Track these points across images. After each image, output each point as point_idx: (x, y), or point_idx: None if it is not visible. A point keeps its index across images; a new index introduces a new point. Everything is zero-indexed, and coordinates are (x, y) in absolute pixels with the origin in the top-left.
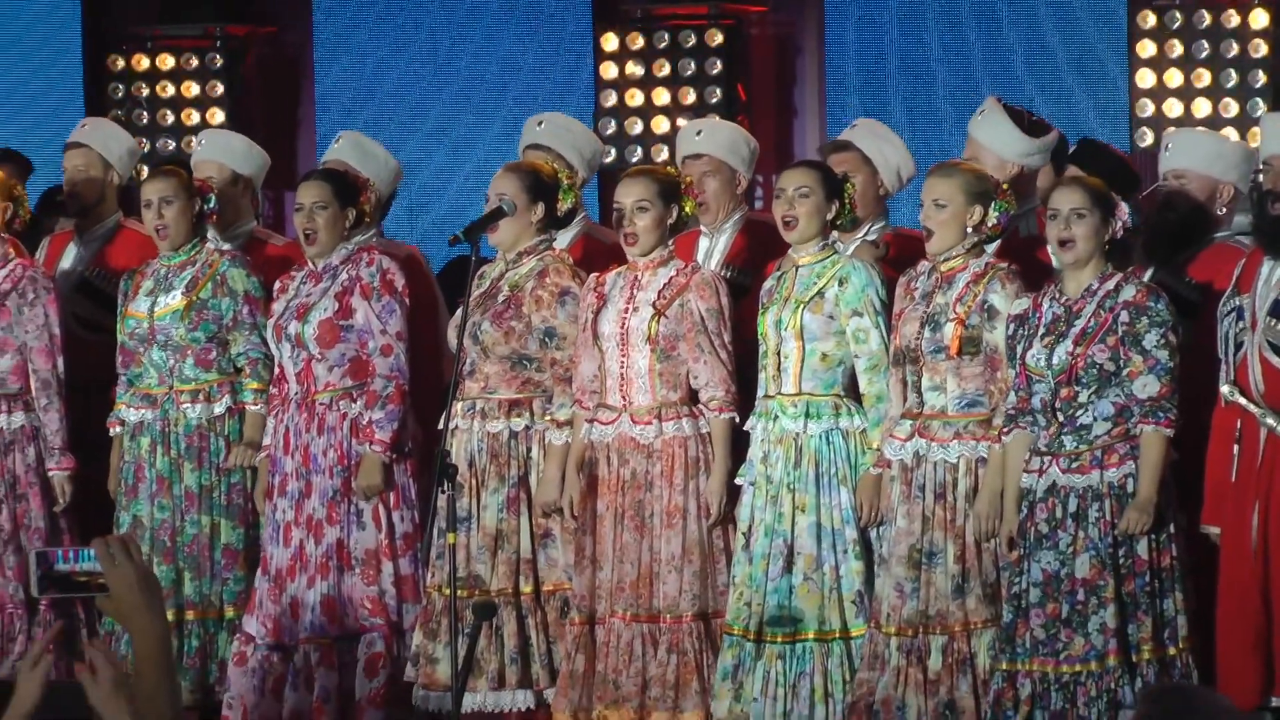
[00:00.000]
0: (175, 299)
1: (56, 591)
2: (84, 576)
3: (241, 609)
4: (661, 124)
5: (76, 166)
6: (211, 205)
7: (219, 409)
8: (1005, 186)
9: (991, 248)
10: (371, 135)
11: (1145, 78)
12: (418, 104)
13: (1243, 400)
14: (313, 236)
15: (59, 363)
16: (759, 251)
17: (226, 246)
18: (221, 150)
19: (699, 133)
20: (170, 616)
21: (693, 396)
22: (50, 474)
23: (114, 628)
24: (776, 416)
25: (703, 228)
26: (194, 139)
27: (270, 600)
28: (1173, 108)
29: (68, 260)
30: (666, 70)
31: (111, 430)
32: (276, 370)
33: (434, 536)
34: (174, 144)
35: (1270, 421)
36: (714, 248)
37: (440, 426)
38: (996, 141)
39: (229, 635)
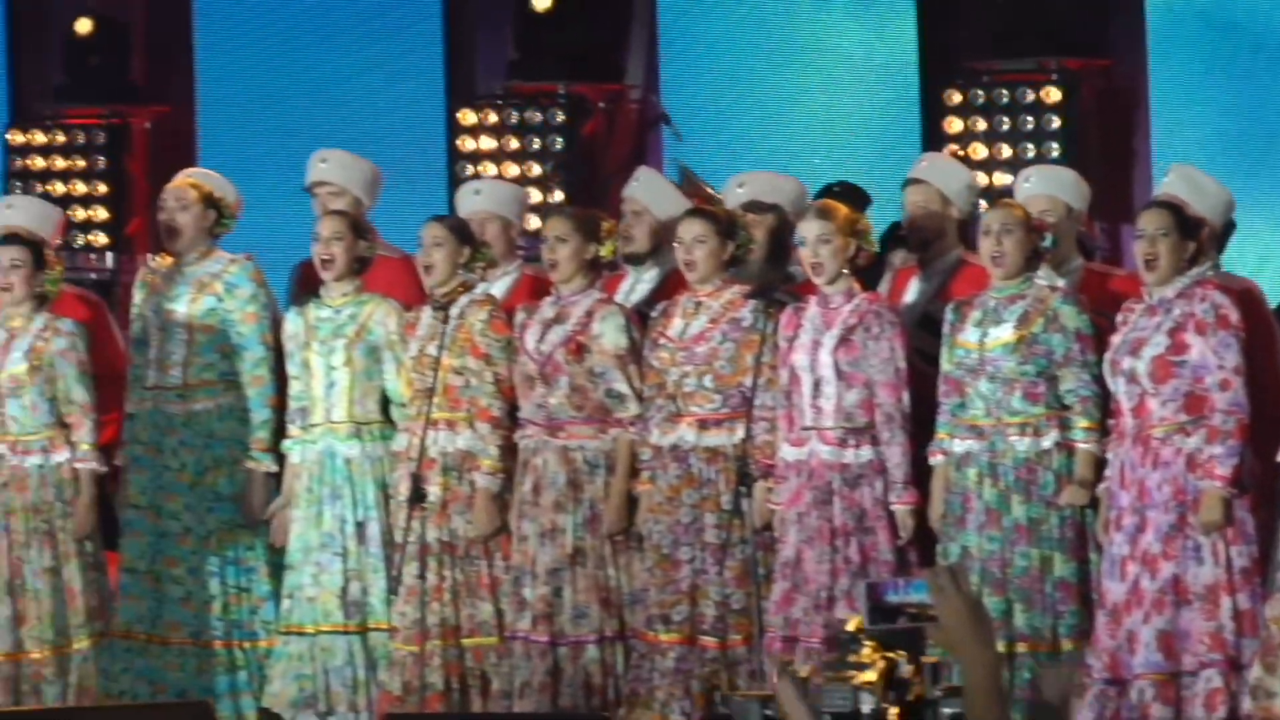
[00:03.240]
0: (1006, 332)
1: (886, 623)
2: (914, 608)
3: (1078, 643)
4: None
5: (916, 202)
6: (1050, 244)
7: (1046, 443)
8: None
9: None
10: (1207, 169)
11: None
12: None
13: None
14: (1153, 263)
15: (904, 397)
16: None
17: (1060, 283)
18: (1055, 185)
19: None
20: (1000, 648)
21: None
22: (893, 507)
23: None
24: None
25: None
26: (1023, 173)
27: (1107, 634)
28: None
29: (911, 294)
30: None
31: (932, 460)
32: (1113, 404)
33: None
34: (1010, 178)
35: None
36: None
37: None
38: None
39: None
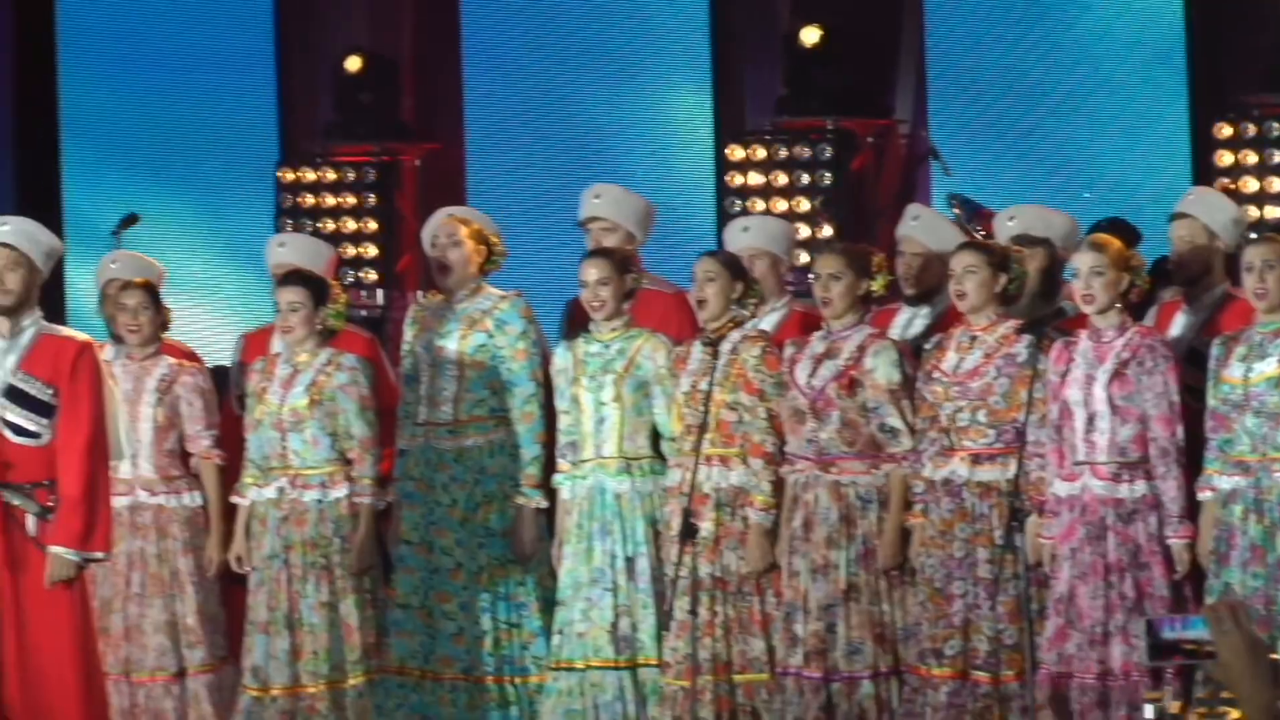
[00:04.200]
0: (1270, 367)
1: (1165, 659)
2: (1192, 644)
3: None
4: None
5: (1182, 236)
6: None
7: None
8: None
9: None
10: None
11: None
12: None
13: None
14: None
15: (1178, 430)
16: None
17: None
18: None
19: None
20: None
21: None
22: (1169, 542)
23: None
24: None
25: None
26: None
27: None
28: None
29: (1176, 329)
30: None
31: (1201, 496)
32: None
33: None
34: None
35: None
36: None
37: None
38: None
39: None
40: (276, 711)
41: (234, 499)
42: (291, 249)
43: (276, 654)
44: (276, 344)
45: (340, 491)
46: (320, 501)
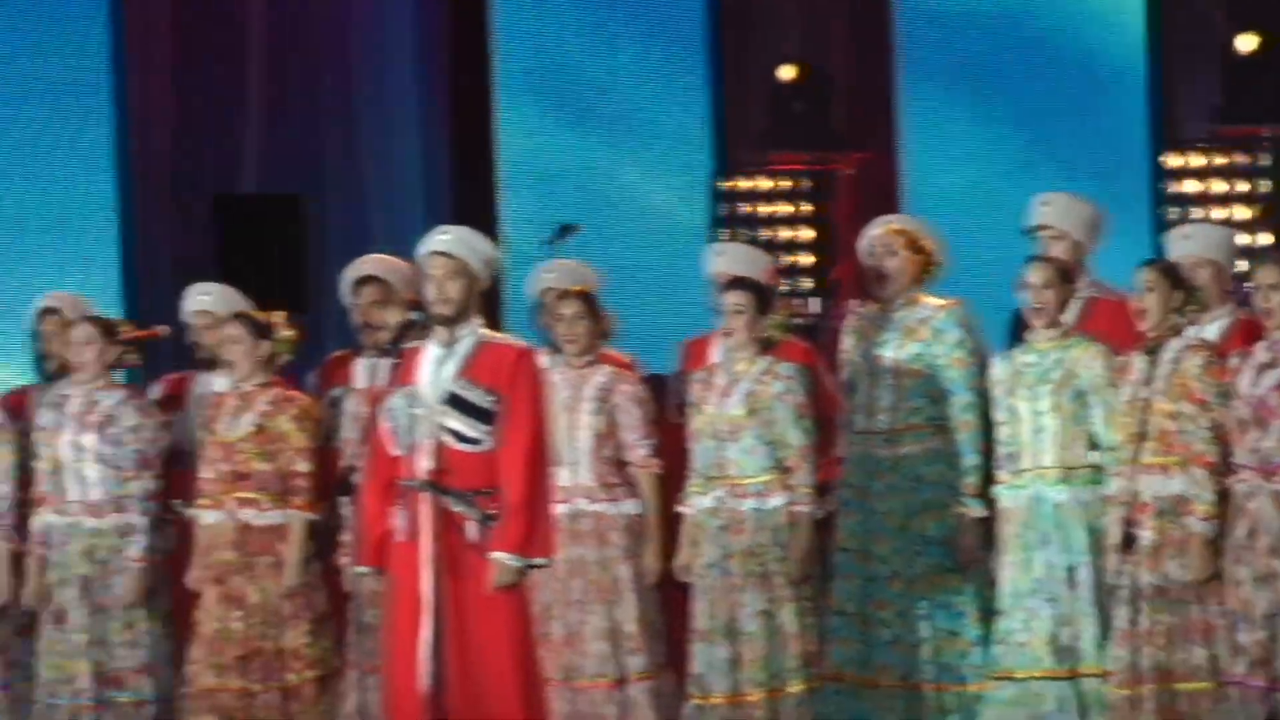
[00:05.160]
0: None
1: None
2: None
3: None
4: None
5: None
6: None
7: None
8: None
9: None
10: None
11: None
12: None
13: None
14: None
15: None
16: None
17: None
18: None
19: None
20: None
21: None
22: None
23: None
24: None
25: None
26: None
27: None
28: None
29: None
30: None
31: None
32: None
33: None
34: None
35: None
36: None
37: None
38: None
39: None
40: (718, 719)
41: (679, 508)
42: (730, 257)
43: (717, 662)
44: (716, 352)
45: (778, 500)
46: (758, 510)
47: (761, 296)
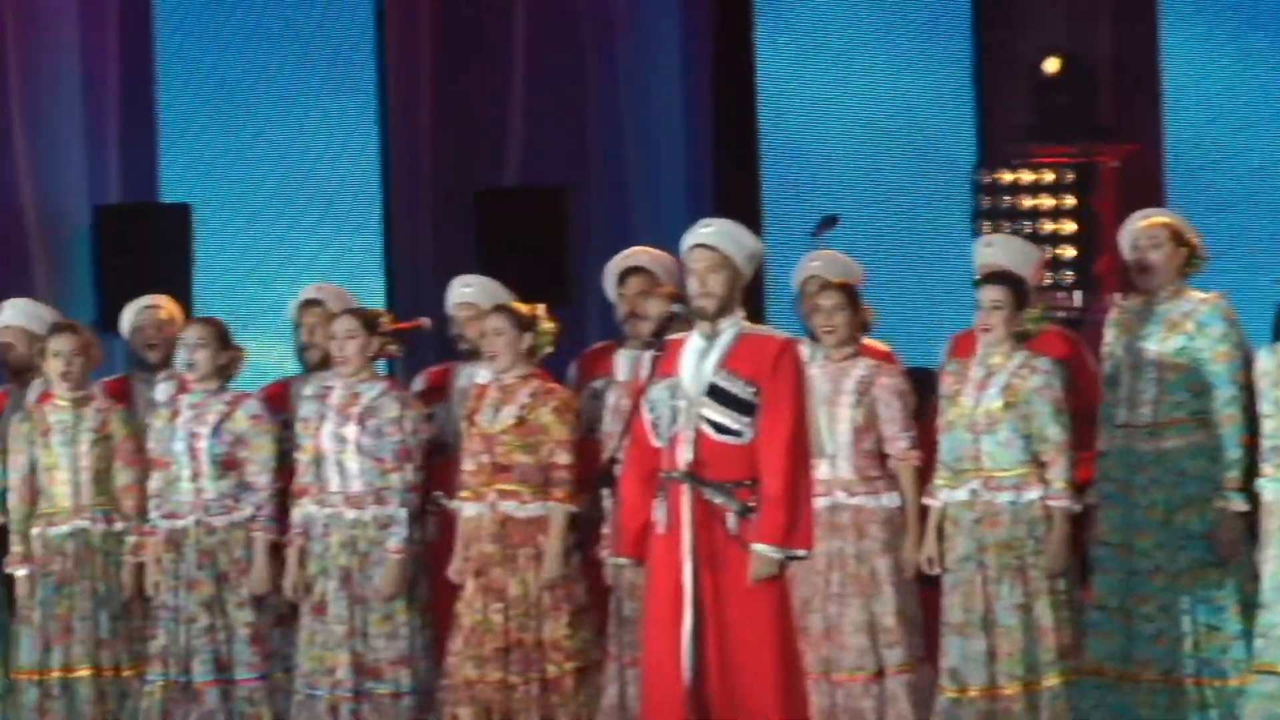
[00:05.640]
0: None
1: None
2: None
3: None
4: None
5: None
6: None
7: None
8: None
9: None
10: None
11: None
12: None
13: None
14: None
15: None
16: None
17: None
18: None
19: None
20: None
21: None
22: None
23: None
24: None
25: None
26: None
27: None
28: None
29: None
30: None
31: None
32: None
33: None
34: None
35: None
36: None
37: None
38: None
39: None
40: (974, 712)
41: (925, 500)
42: (999, 249)
43: (973, 655)
44: (978, 345)
45: (1034, 493)
46: (1013, 503)
47: (1019, 291)
